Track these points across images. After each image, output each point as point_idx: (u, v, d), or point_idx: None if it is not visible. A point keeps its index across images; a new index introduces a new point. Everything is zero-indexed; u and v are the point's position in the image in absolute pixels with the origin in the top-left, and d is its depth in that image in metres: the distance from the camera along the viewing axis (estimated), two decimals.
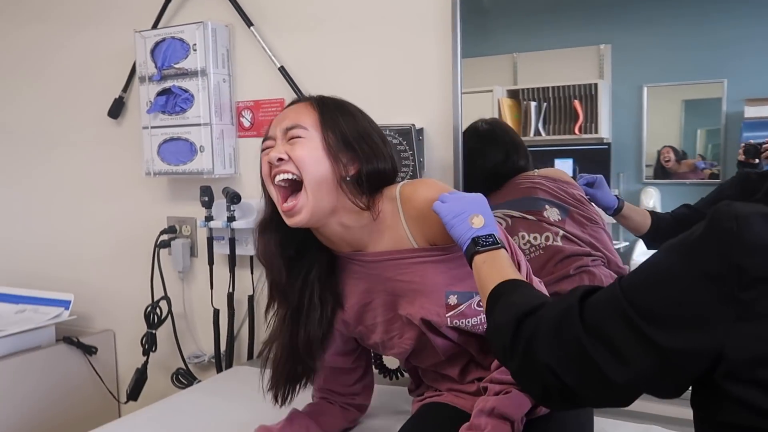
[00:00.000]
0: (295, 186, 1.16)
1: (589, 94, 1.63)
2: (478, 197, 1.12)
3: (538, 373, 0.80)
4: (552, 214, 1.62)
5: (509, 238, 1.22)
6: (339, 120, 1.18)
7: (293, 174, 1.14)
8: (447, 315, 1.18)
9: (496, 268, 1.00)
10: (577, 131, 1.66)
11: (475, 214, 1.07)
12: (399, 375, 1.52)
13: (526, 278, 1.19)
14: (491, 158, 1.66)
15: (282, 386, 1.31)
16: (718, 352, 0.69)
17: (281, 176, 1.15)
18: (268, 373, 1.32)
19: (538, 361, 0.80)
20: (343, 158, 1.16)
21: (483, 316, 1.17)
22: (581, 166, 1.67)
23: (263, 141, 1.21)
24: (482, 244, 1.04)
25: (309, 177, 1.14)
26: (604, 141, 1.63)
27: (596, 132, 1.64)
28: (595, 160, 1.66)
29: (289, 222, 1.16)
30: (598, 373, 0.74)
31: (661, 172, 1.59)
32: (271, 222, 1.23)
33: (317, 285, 1.26)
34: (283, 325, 1.28)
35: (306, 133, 1.16)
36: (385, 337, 1.28)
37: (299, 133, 1.16)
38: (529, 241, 1.62)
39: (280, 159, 1.14)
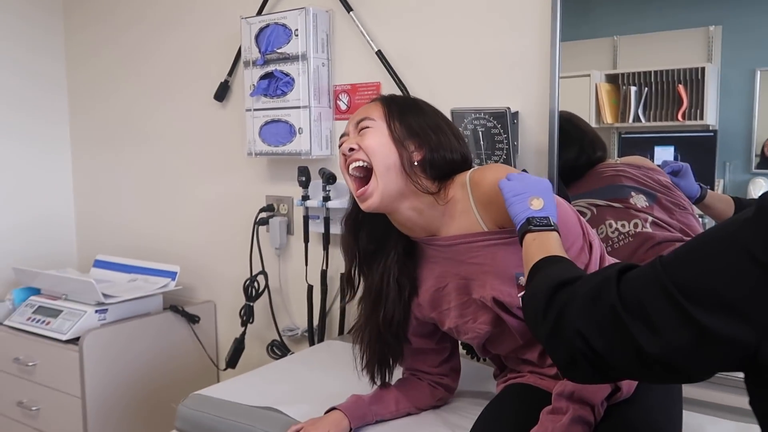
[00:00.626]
0: (367, 174, 1.25)
1: (695, 79, 1.56)
2: (543, 181, 1.14)
3: (568, 339, 0.80)
4: (639, 200, 1.60)
5: (586, 226, 1.22)
6: (406, 112, 1.28)
7: (364, 161, 1.24)
8: (519, 295, 1.19)
9: (543, 247, 1.01)
10: (680, 118, 1.60)
11: (535, 196, 1.09)
12: None
13: (600, 260, 1.19)
14: (563, 155, 1.64)
15: (374, 367, 1.40)
16: (755, 346, 0.67)
17: (354, 164, 1.25)
18: (359, 354, 1.42)
19: (570, 326, 0.80)
20: (410, 145, 1.25)
21: None
22: (684, 154, 1.61)
23: (340, 138, 1.32)
24: (536, 224, 1.05)
25: (377, 162, 1.23)
26: (710, 128, 1.56)
27: (702, 119, 1.57)
28: (699, 148, 1.59)
29: (363, 206, 1.25)
30: (631, 341, 0.74)
31: (765, 163, 1.51)
32: (356, 217, 1.35)
33: (395, 268, 1.34)
34: (367, 310, 1.38)
35: (374, 123, 1.26)
36: (459, 321, 1.31)
37: (367, 124, 1.26)
38: (617, 229, 1.59)
39: (352, 149, 1.25)
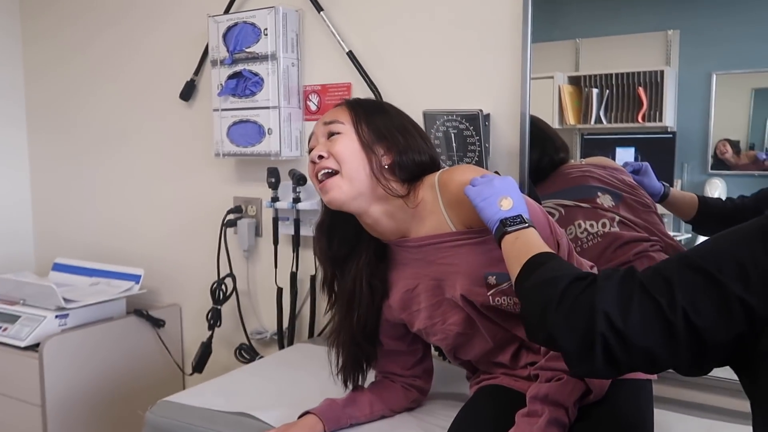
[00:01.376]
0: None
1: (654, 81, 1.60)
2: (507, 180, 1.15)
3: (589, 324, 0.81)
4: (605, 200, 1.62)
5: (554, 225, 1.23)
6: (372, 115, 1.28)
7: (332, 168, 1.24)
8: (488, 294, 1.21)
9: (528, 244, 1.02)
10: (640, 119, 1.63)
11: (503, 197, 1.10)
12: None
13: (567, 258, 1.21)
14: (533, 155, 1.67)
15: (348, 371, 1.39)
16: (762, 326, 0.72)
17: (323, 171, 1.24)
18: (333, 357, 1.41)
19: (594, 310, 0.81)
20: (379, 149, 1.25)
21: None
22: (644, 155, 1.64)
23: (308, 143, 1.32)
24: (510, 224, 1.06)
25: (347, 169, 1.23)
26: (669, 130, 1.60)
27: (661, 120, 1.60)
28: (658, 149, 1.63)
29: (325, 198, 1.25)
30: (658, 313, 0.77)
31: (721, 164, 1.55)
32: (329, 223, 1.34)
33: (367, 271, 1.33)
34: (341, 313, 1.37)
35: (343, 128, 1.26)
36: (428, 323, 1.32)
37: (338, 129, 1.26)
38: (585, 229, 1.62)
39: (321, 156, 1.24)
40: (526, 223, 1.06)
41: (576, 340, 0.83)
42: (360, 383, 1.42)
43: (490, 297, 1.21)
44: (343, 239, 1.34)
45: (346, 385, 1.41)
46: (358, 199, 1.24)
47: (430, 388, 1.50)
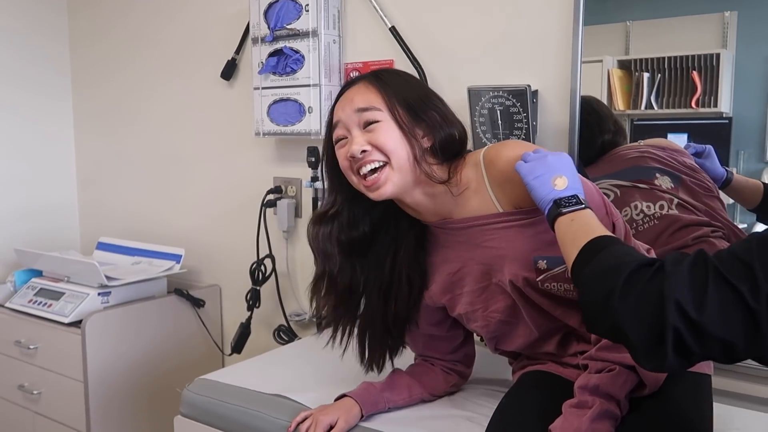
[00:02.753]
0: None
1: (709, 65, 1.52)
2: (562, 156, 1.07)
3: (659, 313, 0.74)
4: (664, 181, 1.55)
5: (609, 206, 1.16)
6: (403, 93, 1.17)
7: (381, 161, 1.14)
8: (538, 279, 1.14)
9: (585, 226, 0.95)
10: (693, 105, 1.56)
11: (558, 175, 1.02)
12: None
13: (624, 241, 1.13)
14: (583, 136, 1.60)
15: (375, 357, 1.36)
16: None
17: (369, 166, 1.14)
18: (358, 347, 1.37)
19: (666, 299, 0.74)
20: (418, 132, 1.16)
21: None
22: (697, 142, 1.57)
23: (332, 129, 1.20)
24: (565, 204, 0.98)
25: (395, 159, 1.14)
26: (724, 116, 1.52)
27: (716, 106, 1.52)
28: (713, 136, 1.55)
29: (374, 195, 1.16)
30: (737, 299, 0.70)
31: None
32: (333, 214, 1.24)
33: (405, 265, 1.27)
34: (373, 305, 1.30)
35: (381, 114, 1.15)
36: (469, 308, 1.26)
37: (375, 116, 1.15)
38: (642, 211, 1.55)
39: (364, 151, 1.14)
40: (582, 203, 0.99)
41: (645, 333, 0.76)
42: (382, 368, 1.38)
43: (539, 282, 1.14)
44: (369, 224, 1.26)
45: (369, 369, 1.38)
46: (403, 189, 1.17)
47: (471, 373, 1.45)
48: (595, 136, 1.63)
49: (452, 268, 1.26)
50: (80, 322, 1.98)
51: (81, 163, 2.80)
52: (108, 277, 2.07)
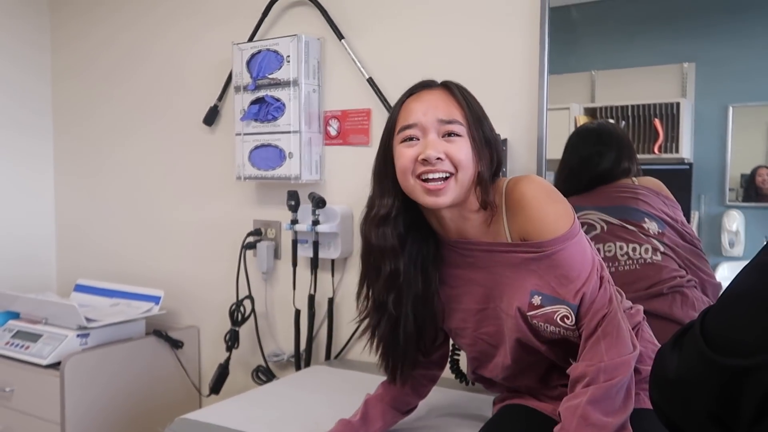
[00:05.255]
0: None
1: (670, 113, 1.60)
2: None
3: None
4: (652, 227, 1.58)
5: (592, 246, 1.21)
6: (481, 118, 1.19)
7: (449, 173, 1.14)
8: (528, 313, 1.17)
9: None
10: (656, 151, 1.63)
11: None
12: None
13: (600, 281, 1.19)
14: (607, 159, 1.63)
15: (402, 366, 1.33)
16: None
17: (437, 174, 1.13)
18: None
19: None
20: (484, 157, 1.18)
21: (563, 330, 1.17)
22: None
23: (401, 129, 1.18)
24: None
25: (462, 175, 1.15)
26: (686, 161, 1.60)
27: (677, 152, 1.60)
28: (675, 181, 1.61)
29: (431, 200, 1.15)
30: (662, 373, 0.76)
31: (754, 194, 1.53)
32: (395, 216, 1.22)
33: (426, 257, 1.26)
34: (400, 311, 1.27)
35: (462, 129, 1.16)
36: (461, 324, 1.29)
37: (458, 130, 1.15)
38: (627, 253, 1.58)
39: (439, 159, 1.13)
40: None
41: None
42: (407, 376, 1.35)
43: (530, 317, 1.18)
44: (401, 229, 1.24)
45: (394, 381, 1.35)
46: (455, 203, 1.17)
47: (441, 373, 1.46)
48: (621, 160, 1.64)
49: (455, 284, 1.28)
50: (59, 363, 1.98)
51: (60, 204, 2.82)
52: (87, 319, 2.08)
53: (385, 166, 1.22)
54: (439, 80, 1.26)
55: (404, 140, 1.17)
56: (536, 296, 1.17)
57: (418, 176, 1.15)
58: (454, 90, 1.20)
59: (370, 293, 1.29)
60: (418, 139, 1.16)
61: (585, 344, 1.15)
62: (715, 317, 0.75)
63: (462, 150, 1.15)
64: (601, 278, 1.18)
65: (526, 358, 1.25)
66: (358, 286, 1.31)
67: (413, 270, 1.25)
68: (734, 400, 0.69)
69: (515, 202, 1.17)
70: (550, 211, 1.16)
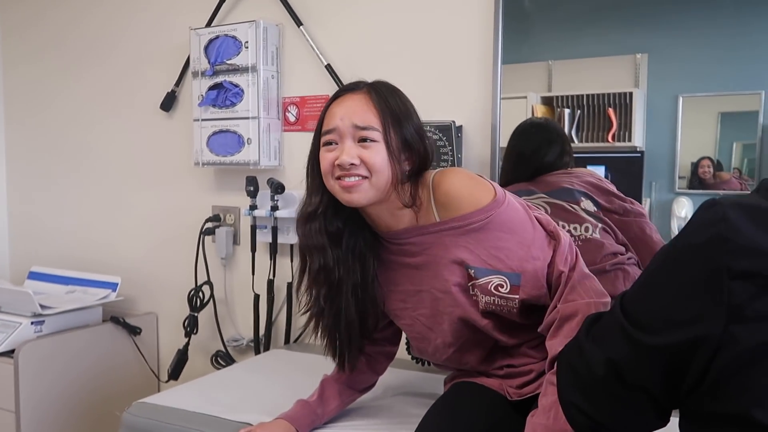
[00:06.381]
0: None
1: (623, 103, 1.65)
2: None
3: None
4: (588, 205, 1.65)
5: (533, 214, 1.25)
6: (401, 123, 1.22)
7: (363, 176, 1.19)
8: (469, 284, 1.23)
9: None
10: (610, 139, 1.68)
11: None
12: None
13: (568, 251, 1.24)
14: (553, 152, 1.70)
15: (348, 353, 1.36)
16: (713, 346, 0.70)
17: (350, 179, 1.18)
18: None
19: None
20: (402, 157, 1.22)
21: (498, 299, 1.21)
22: (613, 174, 1.69)
23: (323, 133, 1.23)
24: None
25: (376, 178, 1.19)
26: (638, 150, 1.65)
27: (630, 140, 1.65)
28: (628, 168, 1.67)
29: (346, 198, 1.20)
30: (586, 371, 0.81)
31: (698, 183, 1.59)
32: (322, 212, 1.26)
33: (369, 255, 1.30)
34: (340, 301, 1.30)
35: (377, 135, 1.19)
36: (400, 305, 1.33)
37: (372, 136, 1.19)
38: (569, 231, 1.63)
39: (352, 164, 1.17)
40: None
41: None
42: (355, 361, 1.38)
43: (470, 287, 1.23)
44: (333, 224, 1.27)
45: (343, 368, 1.39)
46: (373, 202, 1.22)
47: (397, 350, 1.49)
48: (564, 153, 1.71)
49: (392, 267, 1.32)
50: (12, 351, 1.96)
51: (12, 192, 2.76)
52: (42, 306, 2.06)
53: (313, 167, 1.27)
54: (373, 76, 1.30)
55: (325, 144, 1.22)
56: (470, 269, 1.22)
57: (337, 178, 1.20)
58: (374, 94, 1.23)
59: (307, 286, 1.32)
60: (337, 144, 1.20)
61: (560, 294, 1.19)
62: (633, 300, 0.79)
63: (377, 155, 1.18)
64: (555, 239, 1.23)
65: (468, 337, 1.28)
66: (297, 279, 1.34)
67: (351, 259, 1.28)
68: (675, 372, 0.74)
69: (443, 194, 1.22)
70: (474, 191, 1.21)
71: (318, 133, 1.25)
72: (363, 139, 1.19)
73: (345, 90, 1.27)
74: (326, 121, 1.23)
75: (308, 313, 1.35)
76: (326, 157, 1.21)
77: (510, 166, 1.74)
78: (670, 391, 0.76)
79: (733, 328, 0.68)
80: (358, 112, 1.20)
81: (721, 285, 0.68)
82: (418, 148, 1.23)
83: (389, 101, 1.23)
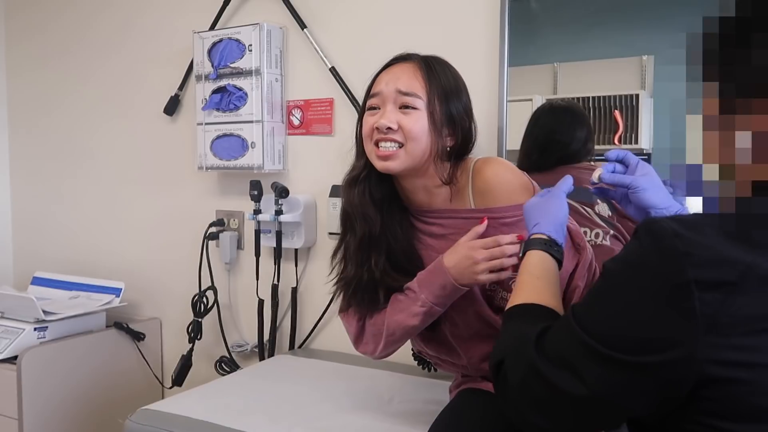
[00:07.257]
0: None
1: (630, 105, 1.63)
2: (562, 203, 1.13)
3: (510, 399, 0.84)
4: (603, 209, 1.60)
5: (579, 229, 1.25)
6: (449, 97, 1.23)
7: (399, 143, 1.20)
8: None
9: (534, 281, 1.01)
10: (616, 141, 1.66)
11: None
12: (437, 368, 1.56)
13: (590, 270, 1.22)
14: (579, 137, 1.65)
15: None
16: (697, 367, 0.69)
17: (386, 144, 1.20)
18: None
19: (509, 385, 0.83)
20: (445, 132, 1.23)
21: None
22: None
23: (369, 97, 1.26)
24: (545, 244, 1.04)
25: (413, 147, 1.20)
26: (645, 152, 1.63)
27: (636, 143, 1.63)
28: None
29: (381, 165, 1.22)
30: (560, 392, 0.77)
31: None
32: (365, 177, 1.28)
33: (408, 226, 1.31)
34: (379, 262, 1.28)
35: (420, 103, 1.21)
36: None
37: (414, 104, 1.21)
38: None
39: (390, 128, 1.20)
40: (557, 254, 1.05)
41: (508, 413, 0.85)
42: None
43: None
44: (377, 191, 1.29)
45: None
46: (409, 172, 1.23)
47: None
48: (589, 140, 1.65)
49: (420, 246, 1.31)
50: (16, 357, 1.95)
51: (16, 198, 2.75)
52: (45, 312, 2.04)
53: (361, 131, 1.29)
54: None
55: (369, 108, 1.25)
56: None
57: (376, 143, 1.22)
58: (424, 65, 1.25)
59: (347, 252, 1.31)
60: (379, 108, 1.23)
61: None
62: (596, 321, 0.76)
63: (416, 122, 1.20)
64: (580, 252, 1.23)
65: (477, 329, 1.27)
66: (336, 245, 1.34)
67: (394, 226, 1.28)
68: (664, 390, 0.72)
69: (482, 181, 1.23)
70: (514, 185, 1.23)
71: (365, 99, 1.28)
72: (405, 106, 1.21)
73: (396, 59, 1.29)
74: (374, 87, 1.27)
75: (339, 283, 1.33)
76: (368, 120, 1.24)
77: (532, 152, 1.67)
78: (653, 409, 0.75)
79: (711, 338, 0.68)
80: (403, 78, 1.23)
81: (689, 298, 0.68)
82: (463, 125, 1.25)
83: (439, 74, 1.25)
